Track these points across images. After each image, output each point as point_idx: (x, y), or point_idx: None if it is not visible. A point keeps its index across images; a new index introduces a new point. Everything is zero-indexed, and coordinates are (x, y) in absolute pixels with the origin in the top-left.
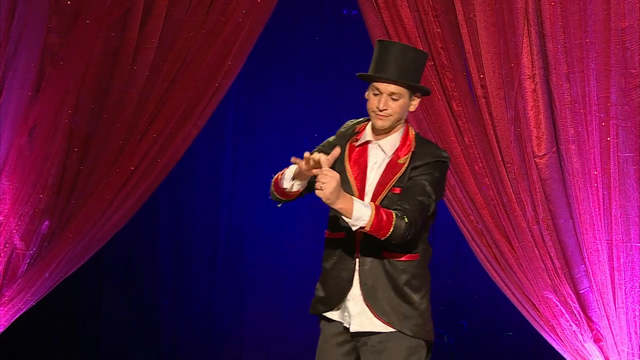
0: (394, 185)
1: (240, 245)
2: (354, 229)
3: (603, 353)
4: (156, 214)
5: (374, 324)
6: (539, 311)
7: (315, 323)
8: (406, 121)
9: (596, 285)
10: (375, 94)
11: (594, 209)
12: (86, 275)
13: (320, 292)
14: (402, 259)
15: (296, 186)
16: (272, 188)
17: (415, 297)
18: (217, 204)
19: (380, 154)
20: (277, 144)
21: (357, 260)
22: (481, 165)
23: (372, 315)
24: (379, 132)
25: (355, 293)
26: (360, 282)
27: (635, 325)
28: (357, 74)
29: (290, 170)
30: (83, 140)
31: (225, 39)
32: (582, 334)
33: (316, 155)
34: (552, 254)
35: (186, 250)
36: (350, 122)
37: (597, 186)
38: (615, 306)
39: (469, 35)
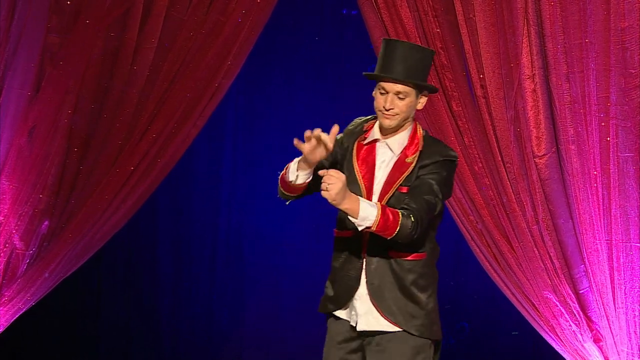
0: (401, 184)
1: (239, 245)
2: (360, 229)
3: (603, 353)
4: (156, 214)
5: (381, 324)
6: (538, 311)
7: (315, 323)
8: (414, 119)
9: (596, 286)
10: (381, 93)
11: (593, 209)
12: (86, 275)
13: (329, 290)
14: (409, 258)
15: (301, 177)
16: (279, 185)
17: (422, 297)
18: (217, 204)
19: (388, 152)
20: (277, 144)
21: (364, 259)
22: (481, 165)
23: (378, 314)
24: (386, 131)
25: (362, 292)
26: (367, 282)
27: (635, 325)
28: (364, 73)
29: (294, 163)
30: (83, 140)
31: (225, 39)
32: (581, 334)
33: (316, 131)
34: (551, 254)
35: (186, 250)
36: (358, 120)
37: (596, 186)
38: (614, 306)
39: (468, 36)
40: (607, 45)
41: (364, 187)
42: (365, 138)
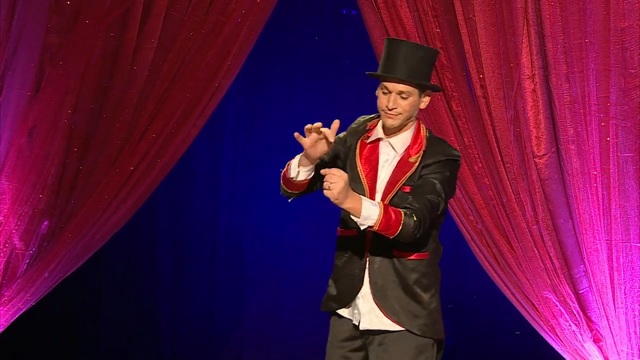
0: (404, 184)
1: (239, 245)
2: (362, 228)
3: (602, 353)
4: (156, 214)
5: (384, 323)
6: (538, 311)
7: (315, 323)
8: (417, 119)
9: (595, 285)
10: (384, 93)
11: (593, 209)
12: (85, 275)
13: (332, 289)
14: (412, 257)
15: (302, 174)
16: (281, 182)
17: (425, 296)
18: (217, 204)
19: (391, 152)
20: (277, 144)
21: (367, 258)
22: (480, 165)
23: (381, 313)
24: (389, 130)
25: (365, 291)
26: (370, 281)
27: (635, 325)
28: (367, 72)
29: (295, 160)
30: (83, 140)
31: (224, 39)
32: (581, 334)
33: (317, 124)
34: (551, 254)
35: (185, 250)
36: (361, 119)
37: (596, 186)
38: (614, 306)
39: (468, 36)
40: (606, 45)
41: (367, 186)
42: (369, 137)
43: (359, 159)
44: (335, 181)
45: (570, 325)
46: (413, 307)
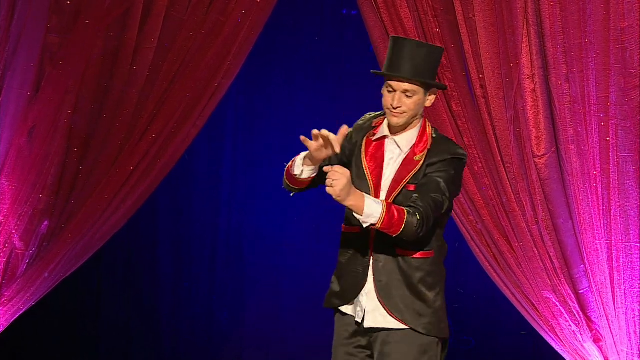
0: (409, 182)
1: (239, 245)
2: (364, 225)
3: (602, 353)
4: (155, 214)
5: (388, 321)
6: (538, 311)
7: (315, 323)
8: (423, 117)
9: (595, 285)
10: (389, 91)
11: (593, 209)
12: (85, 275)
13: (335, 286)
14: (417, 256)
15: (306, 172)
16: (284, 177)
17: (430, 295)
18: (217, 204)
19: (396, 150)
20: (277, 144)
21: (372, 256)
22: (480, 165)
23: (385, 312)
24: (395, 128)
25: (369, 289)
26: (374, 279)
27: (635, 325)
28: (372, 70)
29: (300, 157)
30: (82, 140)
31: (224, 39)
32: (581, 334)
33: (324, 132)
34: (551, 254)
35: (185, 250)
36: (367, 116)
37: (596, 186)
38: (614, 306)
39: (468, 36)
40: (606, 45)
41: (372, 183)
42: (374, 134)
43: (364, 156)
44: (337, 178)
45: (570, 325)
46: (418, 306)
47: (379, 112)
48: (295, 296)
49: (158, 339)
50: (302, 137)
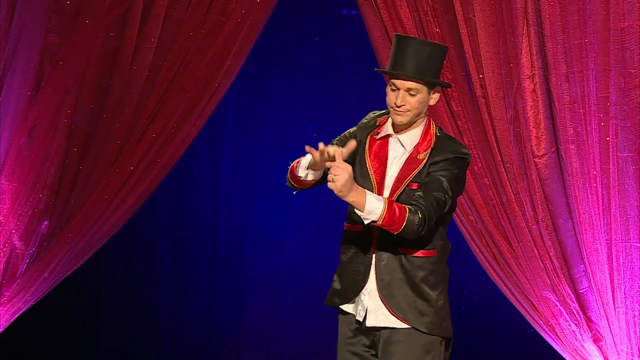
0: (412, 181)
1: (239, 245)
2: (366, 222)
3: (602, 353)
4: (155, 214)
5: (390, 320)
6: (538, 311)
7: (315, 323)
8: (427, 116)
9: (595, 285)
10: (393, 90)
11: (593, 209)
12: (85, 275)
13: (336, 284)
14: (419, 254)
15: (310, 176)
16: (288, 175)
17: (432, 294)
18: (217, 204)
19: (400, 148)
20: (277, 144)
21: (374, 255)
22: (480, 165)
23: (387, 311)
24: (399, 127)
25: (371, 288)
26: (376, 278)
27: (635, 325)
28: (375, 69)
29: (306, 159)
30: (82, 140)
31: (224, 39)
32: (581, 334)
33: (331, 149)
34: (551, 254)
35: (185, 250)
36: (372, 114)
37: (596, 186)
38: (614, 306)
39: (468, 36)
40: (606, 45)
41: (375, 182)
42: (378, 133)
43: (368, 155)
44: (339, 173)
45: (570, 325)
46: (420, 305)
47: (383, 111)
48: (295, 296)
49: (158, 339)
50: (307, 147)
